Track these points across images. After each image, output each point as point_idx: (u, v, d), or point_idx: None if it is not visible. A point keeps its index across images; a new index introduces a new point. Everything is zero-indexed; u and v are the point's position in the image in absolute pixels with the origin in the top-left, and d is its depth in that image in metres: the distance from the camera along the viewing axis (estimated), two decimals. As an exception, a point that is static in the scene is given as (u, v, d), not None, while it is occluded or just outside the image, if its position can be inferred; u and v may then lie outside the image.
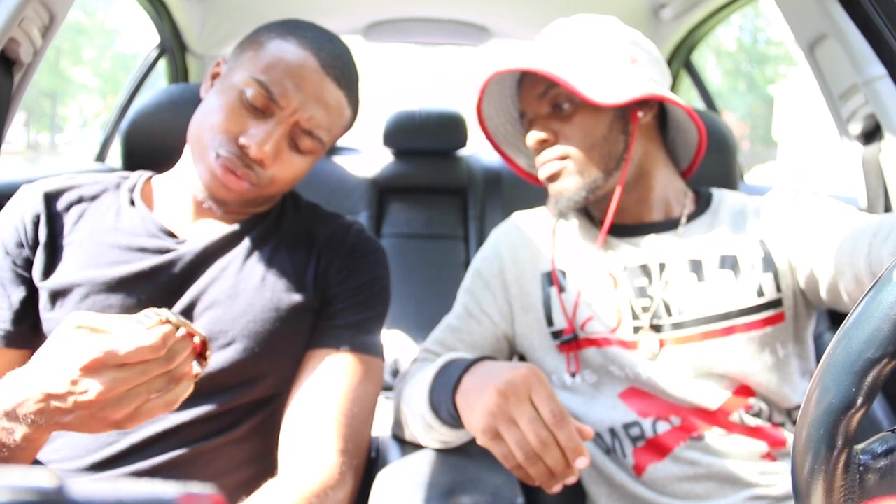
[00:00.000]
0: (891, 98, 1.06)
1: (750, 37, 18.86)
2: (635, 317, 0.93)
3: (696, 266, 0.93)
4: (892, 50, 0.89)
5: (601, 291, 0.95)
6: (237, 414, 0.83)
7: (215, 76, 0.87)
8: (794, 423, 0.91)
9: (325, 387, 0.82)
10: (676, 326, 0.91)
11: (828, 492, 0.39)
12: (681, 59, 1.99)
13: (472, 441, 0.92)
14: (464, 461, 0.87)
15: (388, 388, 1.36)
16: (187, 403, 0.79)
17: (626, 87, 0.90)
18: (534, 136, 0.95)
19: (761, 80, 18.67)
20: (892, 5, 0.85)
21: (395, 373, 1.67)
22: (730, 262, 0.92)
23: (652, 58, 0.97)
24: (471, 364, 0.82)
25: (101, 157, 1.95)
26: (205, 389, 0.80)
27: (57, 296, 0.80)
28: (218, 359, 0.80)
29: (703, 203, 1.00)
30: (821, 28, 1.12)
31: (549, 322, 0.97)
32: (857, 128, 1.19)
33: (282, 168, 0.83)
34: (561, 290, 0.97)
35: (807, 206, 0.92)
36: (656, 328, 0.92)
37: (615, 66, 0.93)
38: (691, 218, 0.98)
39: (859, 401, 0.38)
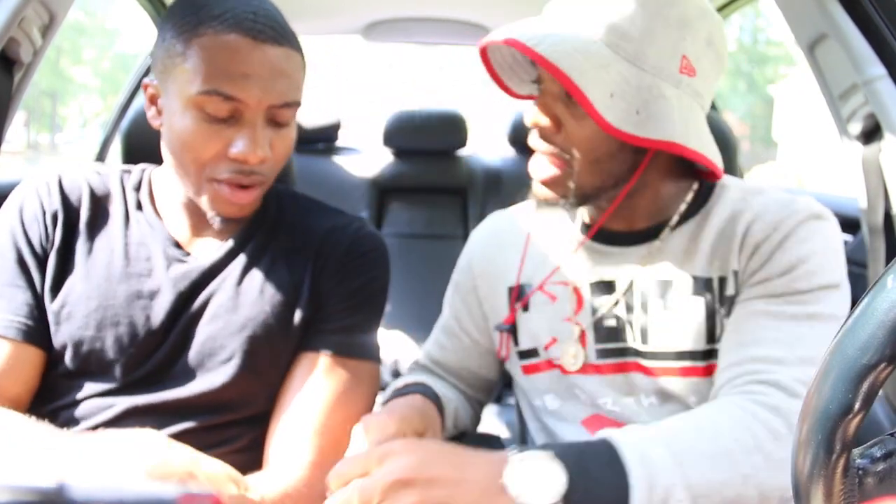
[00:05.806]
0: (891, 98, 1.06)
1: (750, 37, 18.88)
2: (599, 341, 0.85)
3: (666, 289, 0.82)
4: (892, 50, 0.90)
5: (566, 312, 0.87)
6: (239, 427, 0.82)
7: (153, 99, 0.82)
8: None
9: (308, 393, 0.80)
10: (639, 354, 0.82)
11: (827, 496, 0.40)
12: (681, 59, 1.99)
13: (472, 439, 0.92)
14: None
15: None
16: (187, 416, 0.78)
17: (653, 123, 0.74)
18: (534, 118, 0.80)
19: (761, 80, 18.67)
20: (892, 5, 0.86)
21: (396, 373, 1.67)
22: (701, 287, 0.80)
23: (717, 59, 0.79)
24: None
25: (101, 157, 1.95)
26: (205, 404, 0.79)
27: (64, 308, 0.80)
28: (217, 375, 0.80)
29: (700, 200, 0.85)
30: (821, 28, 1.12)
31: (515, 341, 0.91)
32: (856, 128, 1.19)
33: (279, 150, 0.80)
34: (525, 308, 0.90)
35: (780, 260, 0.76)
36: (621, 351, 0.84)
37: (661, 78, 0.75)
38: (679, 222, 0.84)
39: (856, 406, 0.38)
